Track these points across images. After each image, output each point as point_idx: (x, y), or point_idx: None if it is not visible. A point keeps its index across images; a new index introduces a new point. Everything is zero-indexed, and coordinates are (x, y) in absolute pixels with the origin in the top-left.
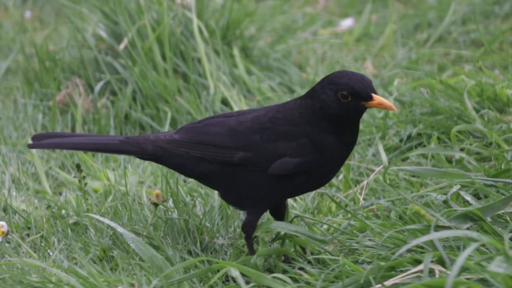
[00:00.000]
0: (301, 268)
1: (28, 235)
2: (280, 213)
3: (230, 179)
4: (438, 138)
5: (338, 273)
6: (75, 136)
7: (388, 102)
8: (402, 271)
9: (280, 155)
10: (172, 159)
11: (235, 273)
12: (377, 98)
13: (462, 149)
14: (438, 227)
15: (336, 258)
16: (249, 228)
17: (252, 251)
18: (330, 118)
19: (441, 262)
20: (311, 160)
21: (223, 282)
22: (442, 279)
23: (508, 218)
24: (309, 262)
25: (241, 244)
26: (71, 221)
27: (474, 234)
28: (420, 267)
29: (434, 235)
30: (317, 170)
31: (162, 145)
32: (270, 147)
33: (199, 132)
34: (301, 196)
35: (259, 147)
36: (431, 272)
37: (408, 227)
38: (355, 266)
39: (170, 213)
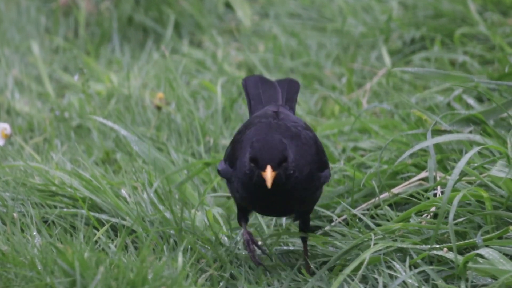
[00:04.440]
0: None
1: (31, 137)
2: (302, 227)
3: None
4: (442, 42)
5: (340, 178)
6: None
7: (270, 178)
8: (403, 179)
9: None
10: None
11: None
12: (267, 173)
13: (465, 53)
14: (441, 131)
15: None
16: (237, 219)
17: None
18: (242, 174)
19: (443, 168)
20: (228, 170)
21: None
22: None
23: (511, 122)
24: None
25: None
26: (74, 124)
27: (476, 137)
28: (424, 174)
29: (434, 140)
30: (237, 179)
31: None
32: (230, 147)
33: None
34: (304, 98)
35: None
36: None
37: (410, 132)
38: (353, 171)
39: (173, 115)
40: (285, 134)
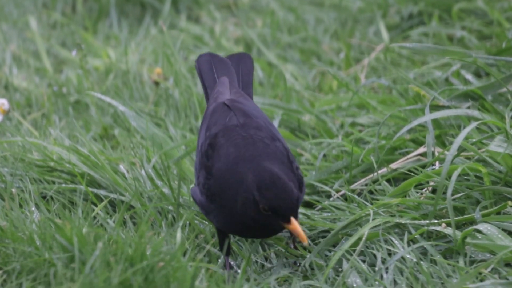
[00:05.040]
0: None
1: (29, 113)
2: None
3: None
4: (439, 17)
5: (339, 153)
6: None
7: (303, 234)
8: (402, 154)
9: (198, 182)
10: None
11: None
12: (294, 225)
13: (463, 28)
14: (439, 107)
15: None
16: (219, 246)
17: (227, 267)
18: (246, 215)
19: (441, 143)
20: (212, 208)
21: None
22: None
23: (509, 97)
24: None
25: None
26: (72, 99)
27: (474, 112)
28: (422, 149)
29: (432, 115)
30: (220, 216)
31: None
32: (199, 170)
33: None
34: (302, 73)
35: (197, 166)
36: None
37: (408, 107)
38: (352, 146)
39: (171, 91)
40: (269, 157)
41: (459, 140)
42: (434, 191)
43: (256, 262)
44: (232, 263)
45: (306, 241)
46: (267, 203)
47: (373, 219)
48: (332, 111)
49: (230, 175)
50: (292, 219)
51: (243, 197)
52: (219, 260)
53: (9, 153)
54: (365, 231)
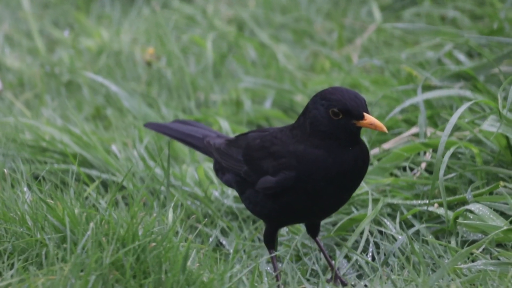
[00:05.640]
0: None
1: (21, 92)
2: (314, 231)
3: (242, 190)
4: None
5: None
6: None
7: (380, 123)
8: (394, 134)
9: (265, 172)
10: (216, 166)
11: (223, 123)
12: (369, 117)
13: (455, 8)
14: (431, 87)
15: None
16: (267, 239)
17: (275, 268)
18: (320, 135)
19: (433, 123)
20: (292, 177)
21: None
22: (436, 140)
23: (501, 77)
24: None
25: (233, 100)
26: (64, 80)
27: (467, 92)
28: (414, 129)
29: (424, 96)
30: (305, 188)
31: (212, 152)
32: (260, 164)
33: (232, 143)
34: (294, 53)
35: (254, 164)
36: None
37: (400, 87)
38: None
39: (163, 71)
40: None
41: (453, 120)
42: (426, 171)
43: (254, 242)
44: (223, 242)
45: (385, 130)
46: (337, 104)
47: (364, 200)
48: None
49: (284, 136)
50: (366, 114)
51: (311, 116)
52: (210, 239)
53: (1, 134)
54: (357, 214)
